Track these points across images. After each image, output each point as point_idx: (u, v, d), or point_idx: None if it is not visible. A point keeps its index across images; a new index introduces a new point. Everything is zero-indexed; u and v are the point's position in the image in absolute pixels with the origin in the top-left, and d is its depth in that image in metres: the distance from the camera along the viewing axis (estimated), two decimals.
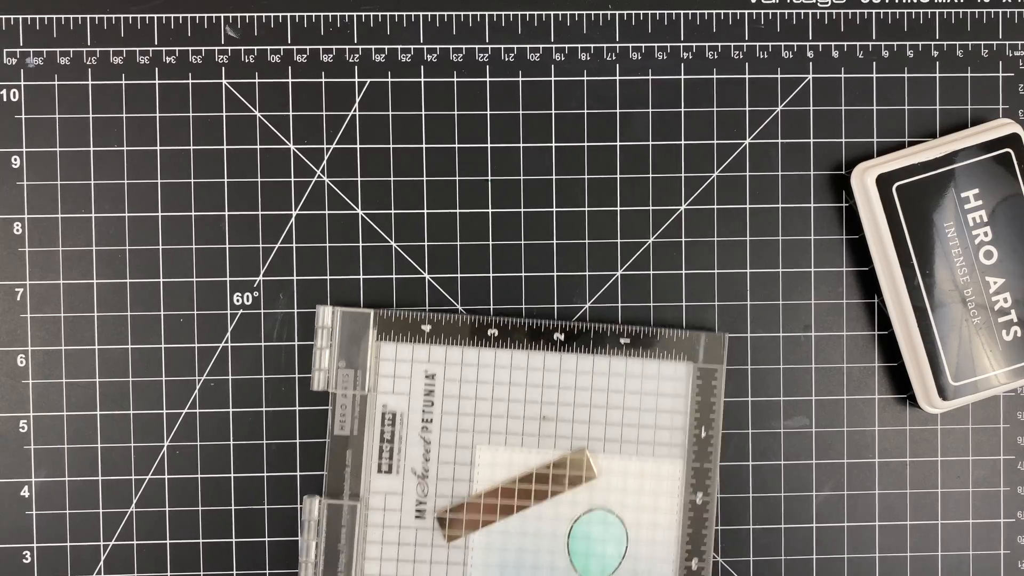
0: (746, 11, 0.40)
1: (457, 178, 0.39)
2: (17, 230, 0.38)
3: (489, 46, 0.39)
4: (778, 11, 0.40)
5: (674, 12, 0.39)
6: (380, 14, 0.39)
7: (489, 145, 0.39)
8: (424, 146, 0.39)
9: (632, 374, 0.38)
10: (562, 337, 0.38)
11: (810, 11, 0.40)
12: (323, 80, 0.39)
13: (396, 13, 0.39)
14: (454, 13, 0.39)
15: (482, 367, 0.38)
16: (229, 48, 0.39)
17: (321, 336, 0.38)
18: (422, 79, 0.39)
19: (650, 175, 0.39)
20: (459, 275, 0.39)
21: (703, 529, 0.38)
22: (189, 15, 0.39)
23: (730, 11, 0.40)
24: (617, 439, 0.38)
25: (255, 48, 0.39)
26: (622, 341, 0.38)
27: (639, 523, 0.38)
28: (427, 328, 0.38)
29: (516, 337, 0.38)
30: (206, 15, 0.39)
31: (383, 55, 0.39)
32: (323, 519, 0.38)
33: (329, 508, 0.38)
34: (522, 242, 0.39)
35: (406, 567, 0.38)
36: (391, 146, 0.39)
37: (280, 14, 0.39)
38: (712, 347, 0.38)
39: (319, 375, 0.38)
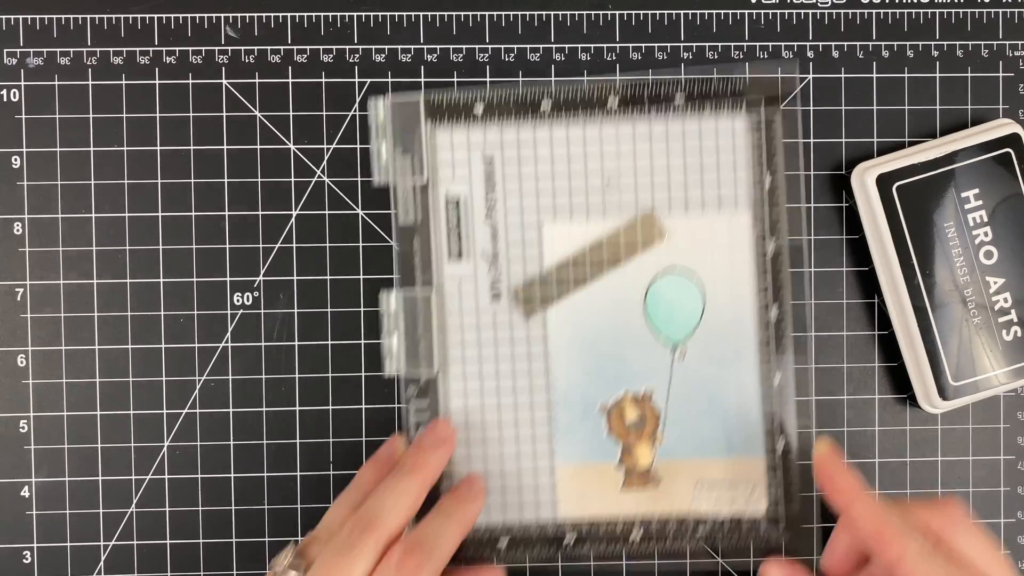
0: (746, 11, 0.40)
1: None
2: (17, 230, 0.38)
3: (489, 46, 0.39)
4: (778, 11, 0.40)
5: (674, 12, 0.39)
6: (380, 14, 0.39)
7: None
8: None
9: (690, 133, 0.38)
10: (616, 102, 0.38)
11: (810, 11, 0.40)
12: (323, 80, 0.39)
13: (396, 13, 0.39)
14: (454, 13, 0.39)
15: (539, 144, 0.38)
16: (229, 48, 0.39)
17: (376, 130, 0.38)
18: (422, 79, 0.39)
19: None
20: None
21: (778, 277, 0.38)
22: (189, 15, 0.39)
23: (730, 11, 0.40)
24: (682, 198, 0.38)
25: (255, 48, 0.39)
26: (677, 101, 0.38)
27: (714, 278, 0.38)
28: (480, 108, 0.38)
29: (570, 107, 0.38)
30: (206, 15, 0.39)
31: (383, 55, 0.39)
32: (400, 310, 0.38)
33: (405, 299, 0.38)
34: None
35: (488, 348, 0.38)
36: None
37: (280, 14, 0.39)
38: (769, 94, 0.38)
39: (378, 169, 0.38)
